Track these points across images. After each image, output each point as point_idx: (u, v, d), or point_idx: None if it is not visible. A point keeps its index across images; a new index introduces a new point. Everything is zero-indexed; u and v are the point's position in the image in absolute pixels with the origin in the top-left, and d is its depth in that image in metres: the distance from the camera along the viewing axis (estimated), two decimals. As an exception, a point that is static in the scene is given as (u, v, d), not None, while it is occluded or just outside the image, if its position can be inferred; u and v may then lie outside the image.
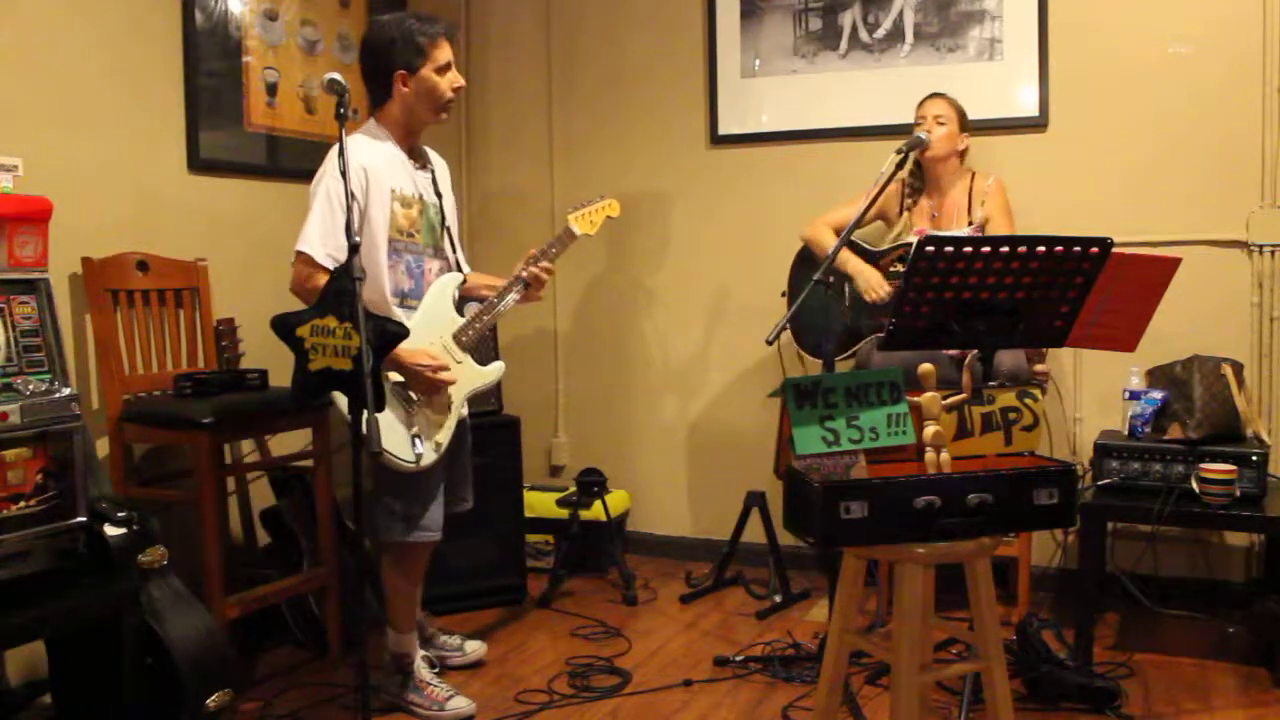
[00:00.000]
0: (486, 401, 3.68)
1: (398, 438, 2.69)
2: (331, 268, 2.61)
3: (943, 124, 3.39)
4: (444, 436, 2.78)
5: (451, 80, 2.79)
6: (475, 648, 3.13)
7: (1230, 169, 3.46)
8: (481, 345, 3.08)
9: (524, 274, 2.88)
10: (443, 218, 2.94)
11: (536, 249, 2.93)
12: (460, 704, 2.82)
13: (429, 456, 2.74)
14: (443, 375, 2.72)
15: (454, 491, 2.96)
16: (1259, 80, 3.41)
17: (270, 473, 3.42)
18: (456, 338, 2.82)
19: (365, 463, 2.28)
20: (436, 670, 2.99)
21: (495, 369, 2.94)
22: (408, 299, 2.80)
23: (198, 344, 3.24)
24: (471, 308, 2.91)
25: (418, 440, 2.72)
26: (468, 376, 2.85)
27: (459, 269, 2.99)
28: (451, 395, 2.79)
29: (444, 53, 2.77)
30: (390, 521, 2.80)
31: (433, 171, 2.94)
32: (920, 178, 3.50)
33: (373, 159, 2.75)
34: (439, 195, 2.93)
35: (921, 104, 3.46)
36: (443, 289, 2.86)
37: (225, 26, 3.48)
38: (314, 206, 2.68)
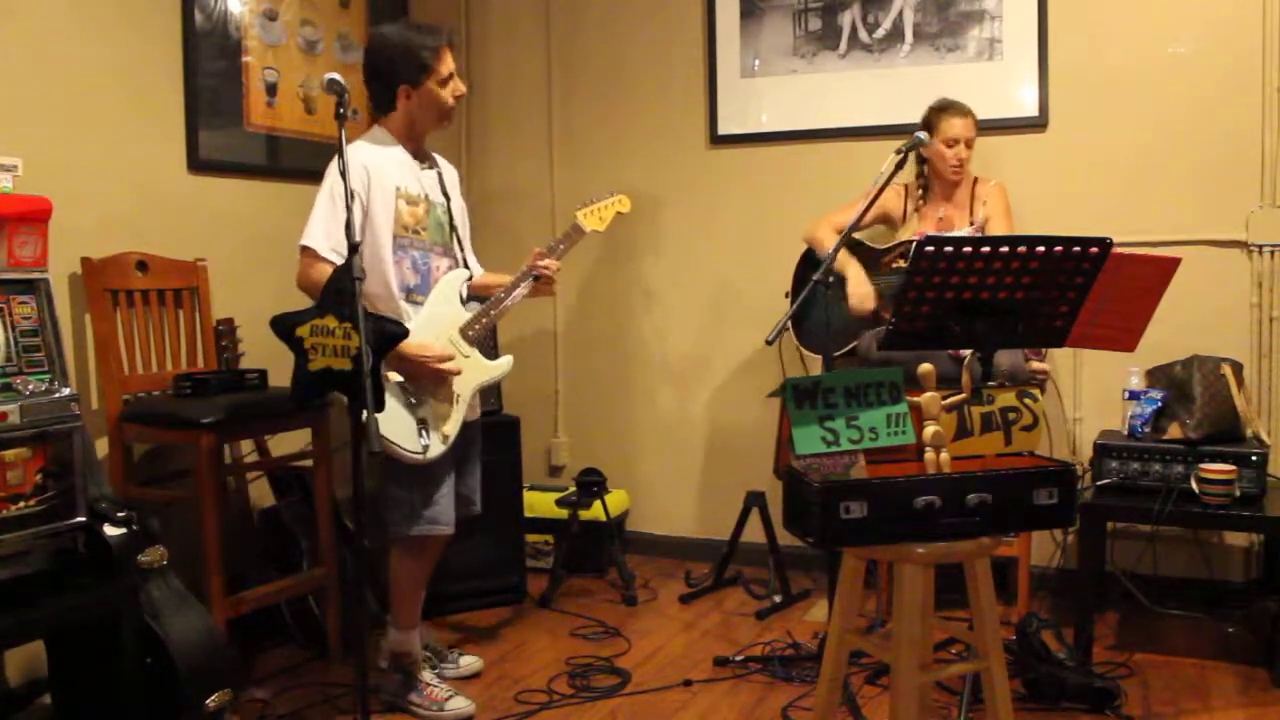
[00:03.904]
0: (487, 401, 3.68)
1: (404, 429, 2.69)
2: (337, 261, 2.63)
3: (969, 147, 3.36)
4: (450, 429, 2.79)
5: (454, 89, 2.84)
6: (470, 662, 3.12)
7: (1230, 169, 3.46)
8: (486, 343, 3.08)
9: (532, 269, 2.88)
10: (451, 218, 2.96)
11: (544, 245, 2.94)
12: (460, 704, 2.82)
13: (436, 448, 2.75)
14: (446, 366, 2.74)
15: (463, 495, 2.96)
16: (1259, 80, 3.41)
17: (270, 473, 3.43)
18: (463, 332, 2.84)
19: (367, 462, 2.28)
20: (436, 670, 2.99)
21: (504, 363, 2.94)
22: (414, 294, 2.82)
23: (197, 344, 3.25)
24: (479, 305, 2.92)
25: (424, 431, 2.73)
26: (475, 370, 2.85)
27: (467, 269, 3.00)
28: (457, 388, 2.80)
29: (446, 65, 2.81)
30: (399, 514, 2.81)
31: (440, 173, 2.97)
32: (928, 179, 3.50)
33: (375, 159, 2.79)
34: (447, 196, 2.96)
35: (949, 119, 3.35)
36: (449, 284, 2.88)
37: (225, 26, 3.48)
38: (317, 203, 2.73)
